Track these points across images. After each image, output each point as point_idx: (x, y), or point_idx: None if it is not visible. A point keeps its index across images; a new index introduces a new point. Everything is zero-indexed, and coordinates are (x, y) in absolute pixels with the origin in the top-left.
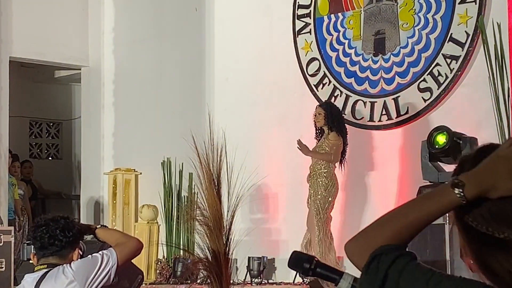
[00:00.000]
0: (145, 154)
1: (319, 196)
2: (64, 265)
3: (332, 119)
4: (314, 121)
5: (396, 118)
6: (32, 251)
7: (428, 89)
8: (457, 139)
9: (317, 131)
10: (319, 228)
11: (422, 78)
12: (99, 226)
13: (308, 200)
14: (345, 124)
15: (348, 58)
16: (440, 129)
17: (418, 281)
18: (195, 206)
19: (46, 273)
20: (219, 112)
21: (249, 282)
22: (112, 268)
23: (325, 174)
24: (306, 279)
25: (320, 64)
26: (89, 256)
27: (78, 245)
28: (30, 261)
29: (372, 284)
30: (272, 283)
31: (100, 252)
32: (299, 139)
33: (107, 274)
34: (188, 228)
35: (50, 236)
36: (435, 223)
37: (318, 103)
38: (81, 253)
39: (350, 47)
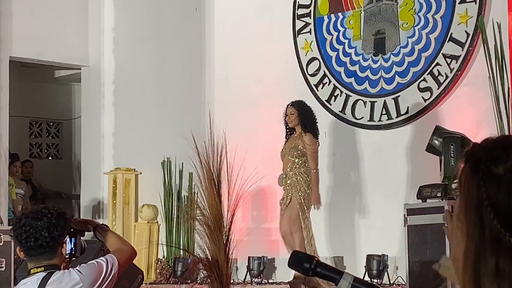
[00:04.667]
0: (145, 154)
1: (302, 194)
2: (70, 269)
3: (305, 119)
4: (286, 121)
5: (396, 117)
6: (19, 247)
7: (428, 89)
8: (437, 138)
9: (288, 131)
10: (305, 227)
11: (422, 78)
12: (101, 224)
13: (281, 202)
14: (317, 123)
15: (348, 57)
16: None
17: None
18: (195, 206)
19: (46, 276)
20: (219, 112)
21: (249, 282)
22: (115, 274)
23: (305, 173)
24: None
25: (320, 64)
26: (94, 261)
27: (65, 237)
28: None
29: None
30: (272, 283)
31: (104, 259)
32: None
33: (111, 280)
34: (188, 228)
35: (36, 238)
36: (435, 222)
37: (290, 103)
38: (82, 252)
39: (350, 46)
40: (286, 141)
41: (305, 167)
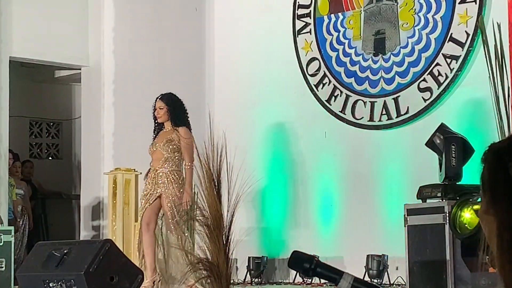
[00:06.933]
0: (145, 154)
1: (172, 197)
2: None
3: (175, 114)
4: (155, 115)
5: (396, 118)
6: None
7: (428, 89)
8: (439, 135)
9: (156, 127)
10: (178, 234)
11: (422, 78)
12: None
13: (146, 203)
14: (188, 117)
15: (348, 58)
16: None
17: None
18: (195, 206)
19: None
20: (219, 112)
21: (249, 282)
22: None
23: (176, 173)
24: (306, 279)
25: (320, 64)
26: None
27: None
28: None
29: None
30: (272, 283)
31: None
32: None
33: None
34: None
35: None
36: (435, 222)
37: (160, 96)
38: None
39: (350, 47)
40: (155, 137)
41: (178, 167)
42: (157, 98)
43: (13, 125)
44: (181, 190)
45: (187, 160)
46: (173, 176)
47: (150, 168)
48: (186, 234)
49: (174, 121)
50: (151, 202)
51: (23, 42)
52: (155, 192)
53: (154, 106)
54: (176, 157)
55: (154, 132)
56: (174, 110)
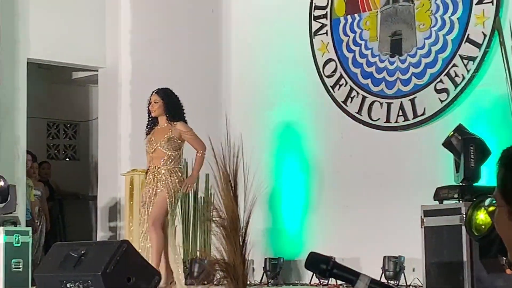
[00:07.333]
0: None
1: (172, 188)
2: None
3: (171, 108)
4: (149, 109)
5: (412, 119)
6: None
7: (445, 90)
8: (457, 136)
9: (150, 121)
10: (172, 232)
11: (438, 79)
12: None
13: (145, 203)
14: (184, 112)
15: (365, 59)
16: None
17: None
18: (212, 207)
19: None
20: (235, 113)
21: (266, 283)
22: None
23: (179, 171)
24: (322, 280)
25: (336, 65)
26: None
27: None
28: None
29: None
30: (289, 284)
31: None
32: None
33: None
34: (205, 229)
35: None
36: (452, 224)
37: (156, 90)
38: None
39: (366, 48)
40: (149, 132)
41: (180, 164)
42: (153, 92)
43: (31, 127)
44: (178, 190)
45: (200, 149)
46: (176, 174)
47: (149, 167)
48: (176, 225)
49: (170, 116)
50: (153, 204)
51: (40, 44)
52: (156, 193)
53: (149, 100)
54: (178, 155)
55: (147, 126)
56: (171, 105)
